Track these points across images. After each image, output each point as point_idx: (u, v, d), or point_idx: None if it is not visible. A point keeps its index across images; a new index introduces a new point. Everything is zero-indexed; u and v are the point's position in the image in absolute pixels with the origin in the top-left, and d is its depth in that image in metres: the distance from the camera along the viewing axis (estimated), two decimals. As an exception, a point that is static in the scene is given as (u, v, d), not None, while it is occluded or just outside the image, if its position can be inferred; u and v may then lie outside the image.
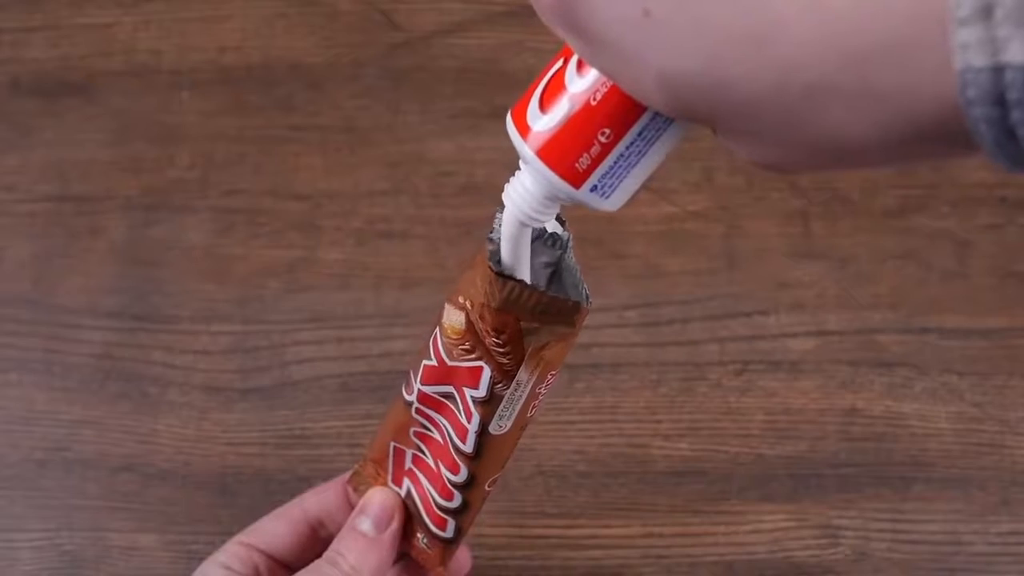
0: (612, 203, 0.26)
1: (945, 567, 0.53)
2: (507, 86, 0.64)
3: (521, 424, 0.35)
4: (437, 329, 0.34)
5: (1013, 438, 0.55)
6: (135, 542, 0.54)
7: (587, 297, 0.32)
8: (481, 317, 0.31)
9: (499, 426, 0.34)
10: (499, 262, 0.31)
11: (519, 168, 0.30)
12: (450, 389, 0.34)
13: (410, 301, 0.58)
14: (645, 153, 0.26)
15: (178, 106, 0.63)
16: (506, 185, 0.31)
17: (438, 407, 0.35)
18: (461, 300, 0.32)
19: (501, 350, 0.31)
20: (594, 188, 0.27)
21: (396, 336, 0.58)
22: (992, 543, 0.53)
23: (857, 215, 0.60)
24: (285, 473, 0.55)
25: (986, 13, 0.15)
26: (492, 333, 0.31)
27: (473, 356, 0.32)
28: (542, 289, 0.31)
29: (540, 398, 0.34)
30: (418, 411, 0.36)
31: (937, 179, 0.61)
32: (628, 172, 0.26)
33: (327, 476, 0.53)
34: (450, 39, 0.65)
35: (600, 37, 0.20)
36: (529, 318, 0.31)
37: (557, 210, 0.29)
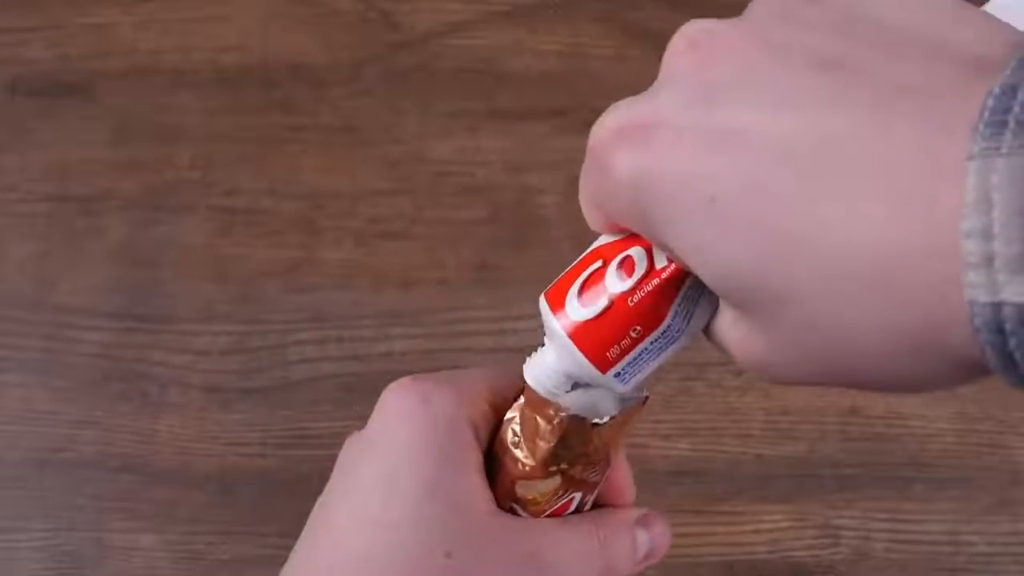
0: (626, 387, 0.30)
1: (945, 567, 0.53)
2: (507, 86, 0.64)
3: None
4: (517, 508, 0.33)
5: (1013, 438, 0.55)
6: (135, 542, 0.54)
7: (642, 387, 0.32)
8: (580, 464, 0.33)
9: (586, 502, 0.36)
10: (569, 411, 0.32)
11: (543, 346, 0.33)
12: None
13: (410, 301, 0.58)
14: (664, 350, 0.30)
15: (178, 106, 0.63)
16: (527, 360, 0.34)
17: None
18: (552, 469, 0.33)
19: (596, 474, 0.33)
20: (618, 375, 0.30)
21: (396, 336, 0.58)
22: (992, 543, 0.53)
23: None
24: (285, 473, 0.55)
25: (988, 261, 0.19)
26: (591, 468, 0.33)
27: (564, 496, 0.33)
28: (618, 408, 0.32)
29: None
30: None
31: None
32: (648, 363, 0.30)
33: (327, 476, 0.53)
34: (450, 39, 0.65)
35: (666, 219, 0.24)
36: (621, 436, 0.33)
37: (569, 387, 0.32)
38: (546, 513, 0.33)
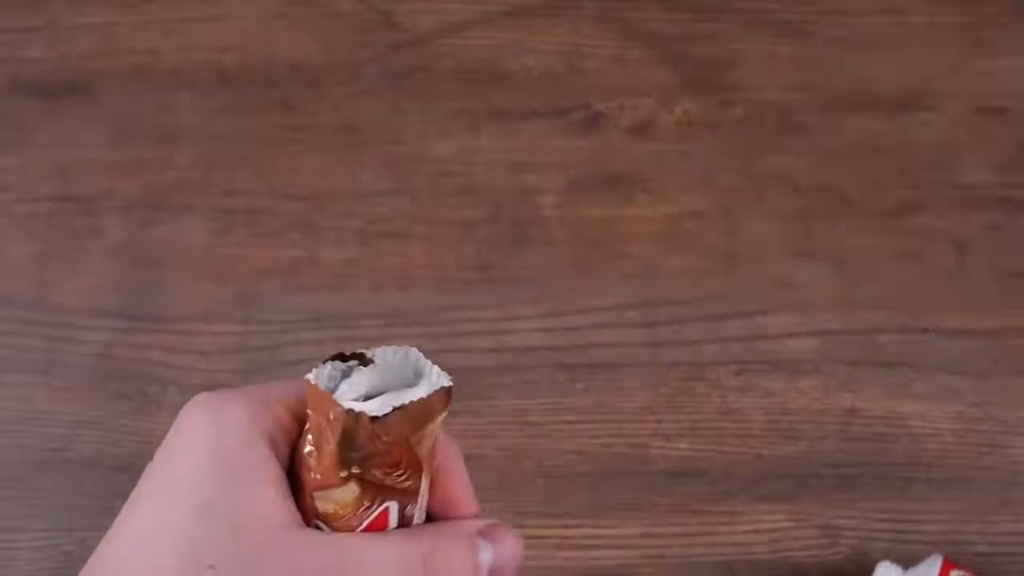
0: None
1: (945, 567, 0.53)
2: (507, 86, 0.64)
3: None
4: (318, 524, 0.30)
5: (1013, 438, 0.55)
6: (135, 542, 0.54)
7: (443, 374, 0.30)
8: (375, 466, 0.29)
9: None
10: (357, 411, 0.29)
11: None
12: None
13: (410, 301, 0.58)
14: None
15: (178, 106, 0.63)
16: None
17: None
18: (343, 475, 0.29)
19: (402, 477, 0.30)
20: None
21: (396, 336, 0.58)
22: (992, 543, 0.53)
23: (857, 215, 0.60)
24: (285, 473, 0.55)
25: None
26: (391, 471, 0.30)
27: (374, 507, 0.30)
28: (411, 399, 0.29)
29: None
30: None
31: (937, 179, 0.61)
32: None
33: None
34: (450, 39, 0.65)
35: None
36: (413, 431, 0.30)
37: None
38: (360, 528, 0.30)
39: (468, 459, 0.54)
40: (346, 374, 0.31)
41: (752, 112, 0.63)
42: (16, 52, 0.65)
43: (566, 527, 0.54)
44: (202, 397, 0.31)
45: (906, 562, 0.51)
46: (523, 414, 0.56)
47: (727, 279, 0.59)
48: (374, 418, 0.28)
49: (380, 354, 0.31)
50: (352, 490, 0.30)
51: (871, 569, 0.51)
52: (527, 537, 0.54)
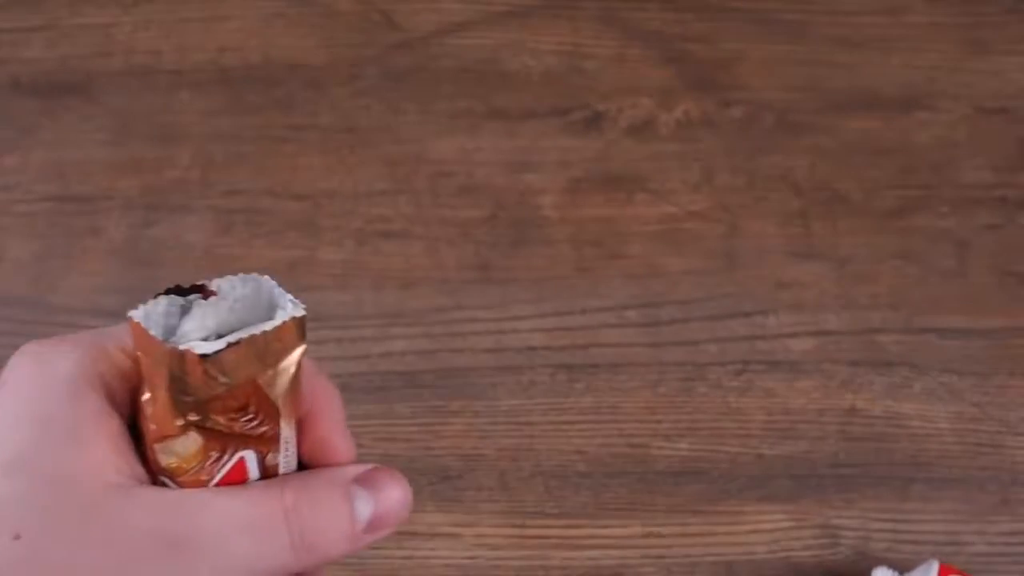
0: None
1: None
2: (507, 86, 0.64)
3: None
4: (163, 479, 0.27)
5: (1013, 438, 0.55)
6: (135, 542, 0.54)
7: (297, 303, 0.27)
8: (217, 412, 0.26)
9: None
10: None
11: None
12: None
13: (410, 301, 0.58)
14: None
15: (178, 106, 0.63)
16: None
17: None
18: (179, 424, 0.26)
19: (254, 423, 0.27)
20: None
21: (396, 336, 0.58)
22: (992, 543, 0.53)
23: (857, 215, 0.60)
24: (285, 473, 0.55)
25: None
26: (238, 416, 0.26)
27: (227, 457, 0.27)
28: (253, 333, 0.25)
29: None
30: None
31: (937, 179, 0.61)
32: None
33: (327, 476, 0.53)
34: (450, 39, 0.65)
35: None
36: (261, 370, 0.26)
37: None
38: (212, 483, 0.26)
39: (468, 459, 0.54)
40: (186, 310, 0.27)
41: (752, 112, 0.63)
42: (16, 52, 0.65)
43: (566, 527, 0.54)
44: (29, 347, 0.28)
45: (906, 563, 0.51)
46: (523, 414, 0.56)
47: (727, 279, 0.59)
48: (204, 356, 0.25)
49: (226, 286, 0.27)
50: (194, 440, 0.26)
51: (871, 569, 0.51)
52: (527, 537, 0.54)
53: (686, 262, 0.59)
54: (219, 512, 0.26)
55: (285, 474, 0.28)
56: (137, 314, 0.27)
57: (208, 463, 0.26)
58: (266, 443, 0.27)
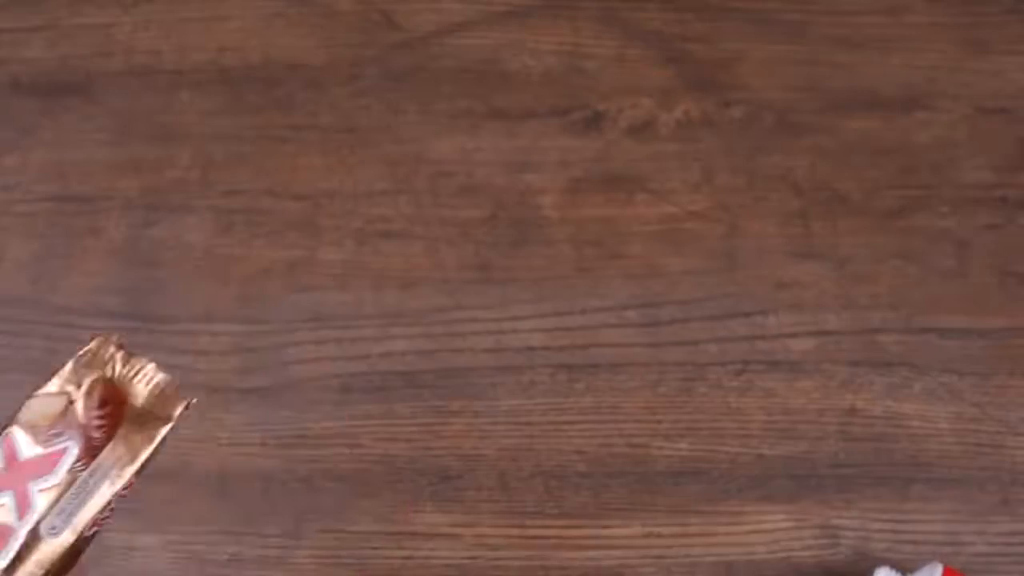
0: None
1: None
2: (507, 86, 0.64)
3: (79, 536, 0.31)
4: (13, 428, 0.33)
5: (1013, 438, 0.55)
6: (135, 542, 0.54)
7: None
8: (88, 393, 0.33)
9: (53, 527, 0.31)
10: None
11: None
12: (7, 495, 0.32)
13: (410, 301, 0.58)
14: None
15: (178, 106, 0.63)
16: None
17: None
18: (66, 387, 0.33)
19: (99, 423, 0.32)
20: None
21: (396, 336, 0.58)
22: (992, 543, 0.53)
23: (857, 215, 0.60)
24: (285, 473, 0.55)
25: None
26: (96, 405, 0.33)
27: (62, 438, 0.32)
28: (161, 374, 0.33)
29: (108, 513, 0.33)
30: None
31: (937, 179, 0.61)
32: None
33: (327, 476, 0.53)
34: (450, 39, 0.65)
35: None
36: (135, 397, 0.33)
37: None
38: (32, 461, 0.32)
39: (468, 459, 0.54)
40: None
41: (752, 112, 0.63)
42: (16, 52, 0.65)
43: (566, 527, 0.54)
44: None
45: (905, 563, 0.51)
46: (523, 414, 0.56)
47: (727, 279, 0.59)
48: (130, 353, 0.34)
49: None
50: (57, 404, 0.33)
51: (871, 569, 0.51)
52: (527, 537, 0.54)
53: (686, 262, 0.59)
54: None
55: None
56: None
57: (49, 431, 0.32)
58: (88, 450, 0.32)
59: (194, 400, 0.33)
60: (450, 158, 0.62)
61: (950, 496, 0.54)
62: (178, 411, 0.33)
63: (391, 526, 0.54)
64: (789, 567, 0.53)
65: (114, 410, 0.33)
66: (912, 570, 0.51)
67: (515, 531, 0.54)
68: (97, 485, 0.32)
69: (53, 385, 0.34)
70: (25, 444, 0.33)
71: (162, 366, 0.57)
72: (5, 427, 0.33)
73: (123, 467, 0.32)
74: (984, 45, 0.65)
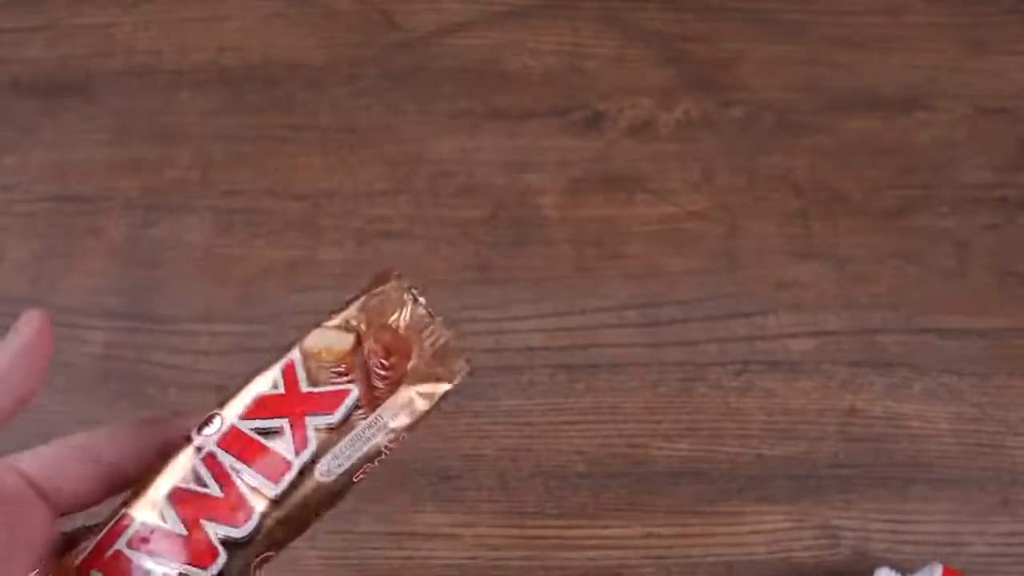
0: None
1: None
2: (507, 86, 0.64)
3: (346, 481, 0.32)
4: (295, 354, 0.34)
5: (1013, 438, 0.55)
6: (135, 542, 0.54)
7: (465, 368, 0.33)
8: (376, 338, 0.33)
9: (327, 470, 0.31)
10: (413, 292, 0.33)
11: None
12: (281, 423, 0.32)
13: (410, 301, 0.58)
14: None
15: (178, 106, 0.63)
16: None
17: (244, 450, 0.32)
18: (352, 322, 0.33)
19: (382, 372, 0.32)
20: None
21: (396, 336, 0.58)
22: (992, 543, 0.53)
23: (857, 215, 0.60)
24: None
25: None
26: (381, 353, 0.32)
27: (344, 380, 0.32)
28: (447, 332, 0.32)
29: (377, 462, 0.32)
30: (207, 458, 0.32)
31: (937, 179, 0.61)
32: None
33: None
34: (450, 39, 0.65)
35: None
36: (421, 353, 0.32)
37: None
38: (313, 394, 0.32)
39: (468, 459, 0.54)
40: None
41: (752, 112, 0.63)
42: (16, 52, 0.65)
43: (566, 527, 0.54)
44: None
45: (906, 563, 0.51)
46: (523, 414, 0.56)
47: (727, 279, 0.59)
48: (415, 298, 0.33)
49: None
50: (346, 341, 0.33)
51: (871, 570, 0.51)
52: (527, 537, 0.54)
53: (686, 262, 0.59)
54: None
55: None
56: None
57: (332, 370, 0.32)
58: (370, 399, 0.32)
59: (470, 369, 0.32)
60: (450, 158, 0.62)
61: (950, 496, 0.54)
62: (460, 374, 0.32)
63: (391, 526, 0.54)
64: (789, 567, 0.53)
65: (398, 362, 0.32)
66: (912, 570, 0.51)
67: (515, 531, 0.54)
68: (374, 436, 0.32)
69: (340, 318, 0.34)
70: (306, 374, 0.33)
71: (163, 366, 0.57)
72: (288, 349, 0.34)
73: (400, 422, 0.32)
74: (984, 45, 0.65)
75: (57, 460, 0.32)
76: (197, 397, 0.57)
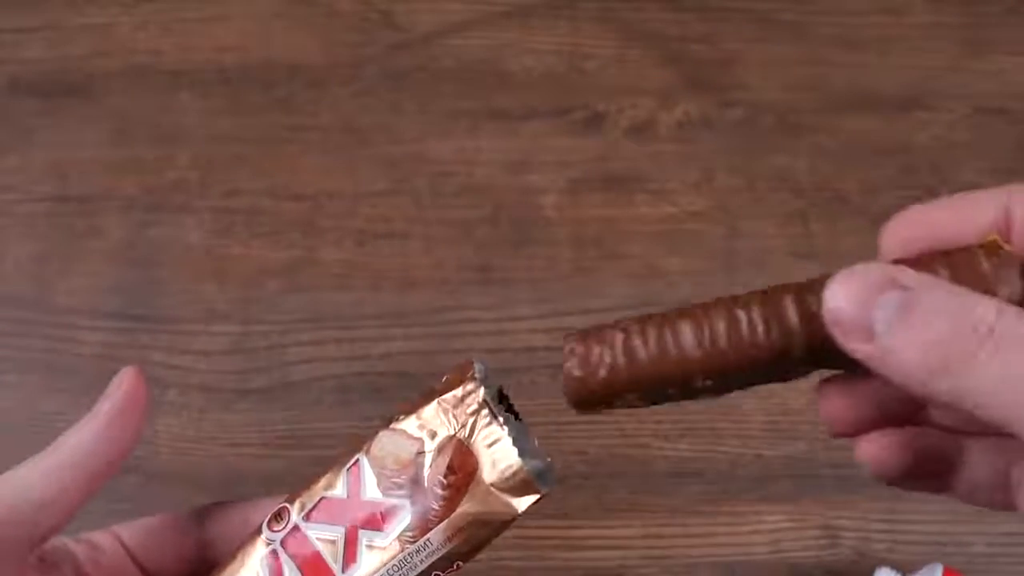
0: None
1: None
2: (507, 86, 0.64)
3: None
4: (363, 458, 0.31)
5: (1013, 438, 0.55)
6: (135, 542, 0.54)
7: (548, 477, 0.30)
8: (440, 450, 0.30)
9: None
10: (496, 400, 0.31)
11: None
12: (339, 531, 0.31)
13: (410, 301, 0.58)
14: None
15: (178, 106, 0.63)
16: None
17: (302, 555, 0.31)
18: (417, 432, 0.30)
19: (440, 491, 0.30)
20: None
21: (396, 336, 0.58)
22: (992, 543, 0.53)
23: (857, 215, 0.60)
24: (285, 473, 0.55)
25: None
26: (444, 470, 0.29)
27: (401, 493, 0.30)
28: (520, 458, 0.30)
29: None
30: (271, 555, 0.31)
31: (937, 179, 0.61)
32: None
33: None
34: (450, 39, 0.65)
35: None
36: (489, 472, 0.30)
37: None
38: (370, 504, 0.30)
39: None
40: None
41: (752, 112, 0.63)
42: (16, 52, 0.65)
43: (566, 527, 0.54)
44: None
45: (906, 563, 0.51)
46: (524, 415, 0.56)
47: (727, 279, 0.59)
48: (494, 413, 0.31)
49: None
50: (410, 450, 0.31)
51: (871, 570, 0.51)
52: (527, 537, 0.54)
53: (686, 262, 0.59)
54: None
55: None
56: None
57: (393, 480, 0.30)
58: (422, 522, 0.30)
59: (546, 493, 0.30)
60: (450, 158, 0.62)
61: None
62: (529, 502, 0.30)
63: (391, 526, 0.54)
64: (789, 567, 0.53)
65: (460, 480, 0.29)
66: (912, 570, 0.50)
67: (515, 531, 0.54)
68: (422, 563, 0.30)
69: (412, 424, 0.30)
70: (370, 479, 0.30)
71: (163, 366, 0.57)
72: (356, 451, 0.31)
73: (452, 554, 0.30)
74: (984, 45, 0.65)
75: (153, 534, 0.34)
76: (197, 397, 0.57)
